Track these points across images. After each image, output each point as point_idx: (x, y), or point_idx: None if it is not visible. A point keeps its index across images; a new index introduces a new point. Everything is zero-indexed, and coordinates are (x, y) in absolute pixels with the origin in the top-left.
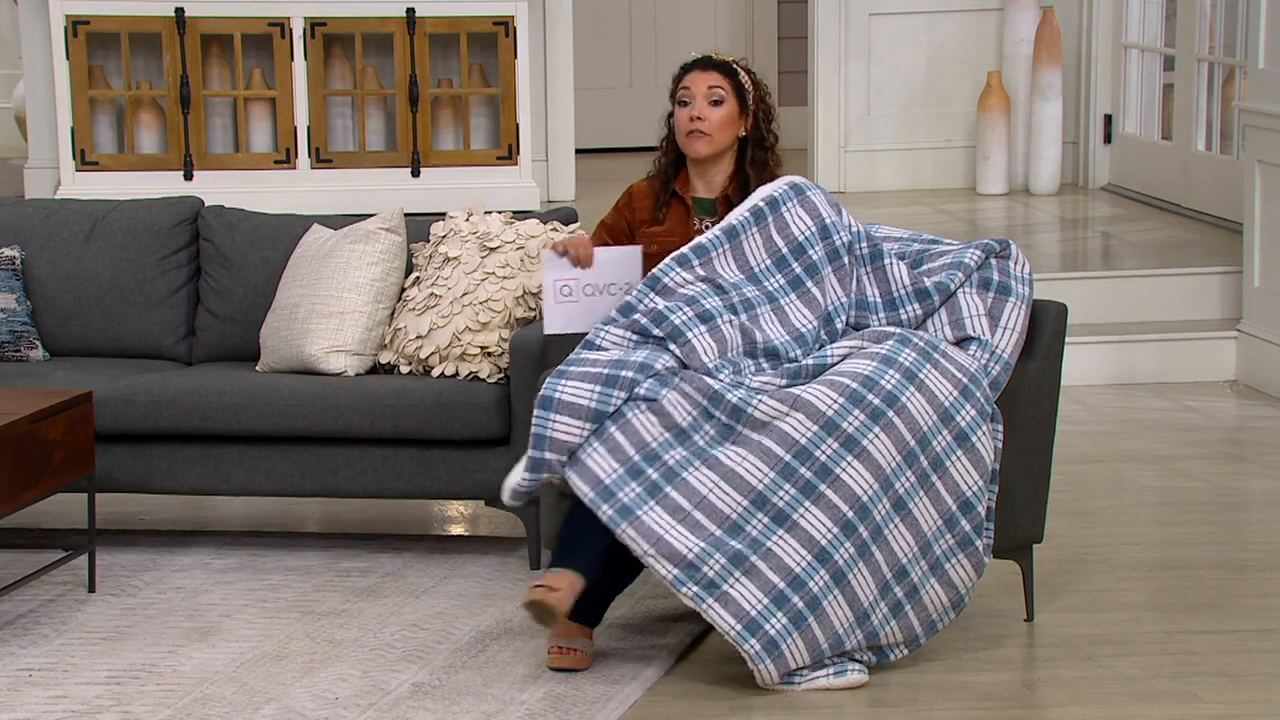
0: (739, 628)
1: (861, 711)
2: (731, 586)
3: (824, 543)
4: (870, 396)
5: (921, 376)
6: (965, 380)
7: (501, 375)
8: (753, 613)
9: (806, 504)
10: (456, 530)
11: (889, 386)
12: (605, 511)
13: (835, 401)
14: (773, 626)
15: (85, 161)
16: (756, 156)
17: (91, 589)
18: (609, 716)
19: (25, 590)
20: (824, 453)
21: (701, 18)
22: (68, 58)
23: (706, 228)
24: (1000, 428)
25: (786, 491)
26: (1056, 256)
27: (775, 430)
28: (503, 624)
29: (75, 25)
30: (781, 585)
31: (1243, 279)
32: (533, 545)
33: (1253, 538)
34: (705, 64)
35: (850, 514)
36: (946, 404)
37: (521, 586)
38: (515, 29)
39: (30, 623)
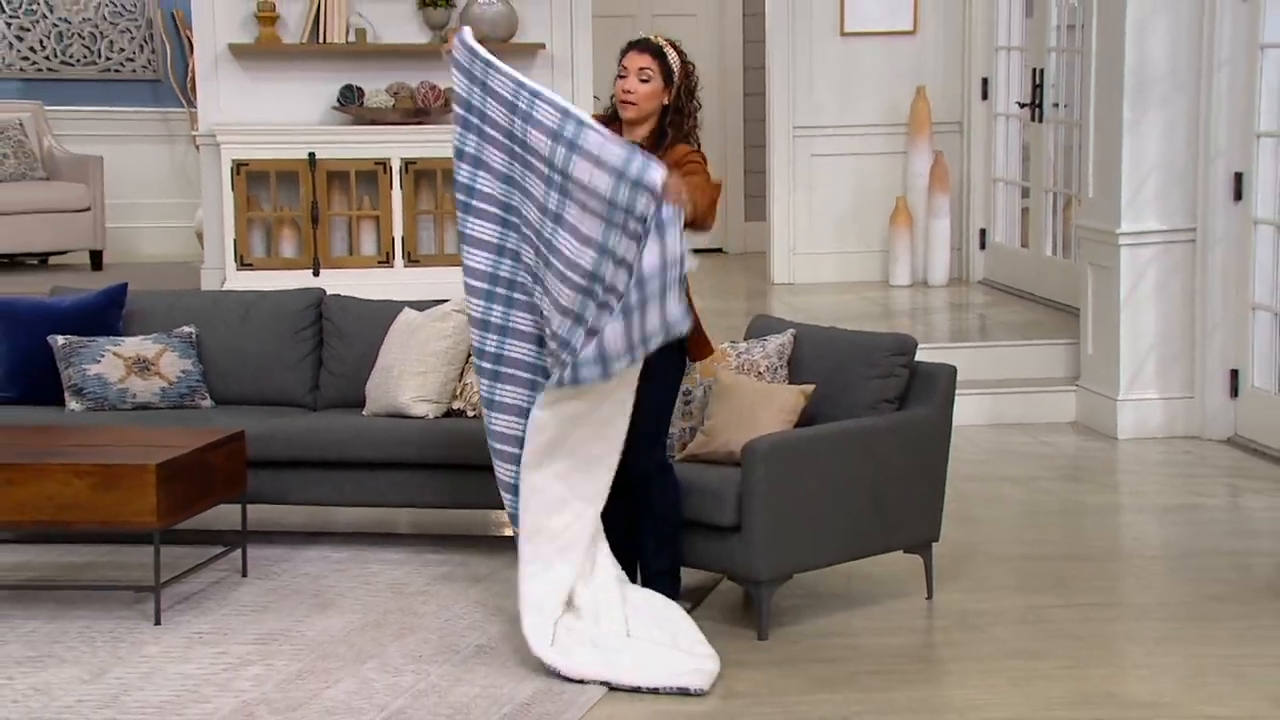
0: None
1: (798, 666)
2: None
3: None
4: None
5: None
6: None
7: None
8: None
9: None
10: (508, 532)
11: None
12: None
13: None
14: None
15: (243, 264)
16: (674, 119)
17: (244, 574)
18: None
19: (196, 576)
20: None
21: None
22: (233, 190)
23: None
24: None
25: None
26: (947, 332)
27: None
28: None
29: (238, 166)
30: None
31: (1080, 348)
32: None
33: (1091, 537)
34: (641, 46)
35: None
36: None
37: None
38: None
39: (200, 599)
